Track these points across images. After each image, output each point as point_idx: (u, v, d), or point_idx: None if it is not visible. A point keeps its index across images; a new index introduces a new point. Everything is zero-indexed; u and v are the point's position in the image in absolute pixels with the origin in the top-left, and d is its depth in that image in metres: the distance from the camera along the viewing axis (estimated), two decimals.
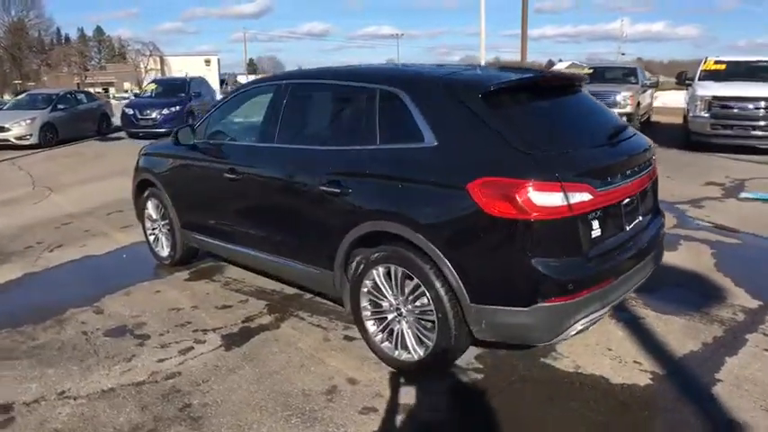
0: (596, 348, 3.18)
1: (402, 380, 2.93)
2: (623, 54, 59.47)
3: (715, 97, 9.69)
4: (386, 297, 2.97)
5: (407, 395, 2.79)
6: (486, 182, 2.49)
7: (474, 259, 2.57)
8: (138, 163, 4.97)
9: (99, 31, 72.03)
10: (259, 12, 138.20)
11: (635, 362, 3.04)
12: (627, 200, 2.85)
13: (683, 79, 11.47)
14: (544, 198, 2.43)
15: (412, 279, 2.80)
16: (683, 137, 10.40)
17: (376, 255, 2.93)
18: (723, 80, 10.28)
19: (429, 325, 2.80)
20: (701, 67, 11.07)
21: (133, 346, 3.39)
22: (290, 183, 3.37)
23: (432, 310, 2.74)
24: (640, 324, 3.46)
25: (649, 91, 13.47)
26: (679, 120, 11.74)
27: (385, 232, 2.87)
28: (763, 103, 9.35)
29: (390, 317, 2.98)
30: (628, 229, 2.88)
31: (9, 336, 3.58)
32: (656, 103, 15.59)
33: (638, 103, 11.82)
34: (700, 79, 10.70)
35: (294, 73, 3.77)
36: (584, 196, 2.49)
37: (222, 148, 3.95)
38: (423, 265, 2.72)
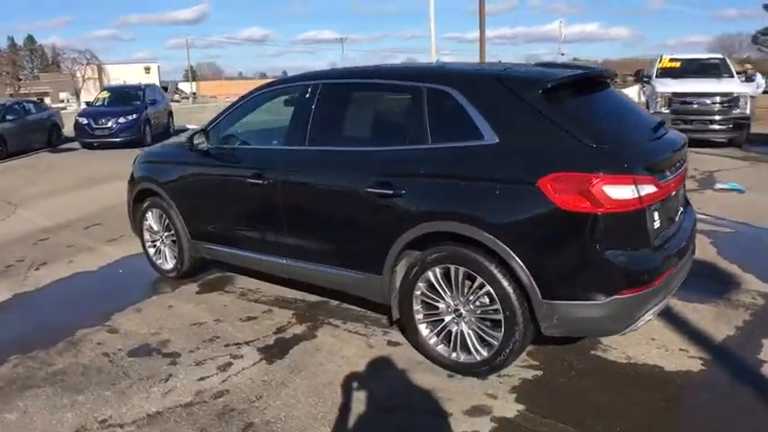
0: (640, 339, 3.24)
1: (466, 382, 2.88)
2: (562, 54, 61.81)
3: (675, 93, 10.21)
4: (443, 299, 2.91)
5: (477, 396, 2.75)
6: (558, 177, 2.49)
7: (546, 255, 2.57)
8: (134, 172, 4.69)
9: (30, 39, 68.08)
10: (196, 18, 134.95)
11: (680, 349, 3.12)
12: (674, 192, 2.93)
13: (640, 77, 12.04)
14: (618, 191, 2.45)
15: (474, 278, 2.76)
16: None
17: (434, 255, 2.86)
18: (679, 77, 10.86)
19: (492, 324, 2.77)
20: (658, 65, 11.62)
21: (165, 366, 3.18)
22: (331, 186, 3.25)
23: (498, 309, 2.71)
24: (673, 313, 3.56)
25: None
26: None
27: (440, 232, 2.83)
28: (718, 98, 9.94)
29: (448, 318, 2.93)
30: (676, 219, 2.97)
31: (21, 362, 3.27)
32: None
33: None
34: (657, 77, 11.24)
35: (324, 73, 3.64)
36: (650, 188, 2.53)
37: (242, 152, 3.78)
38: (488, 263, 2.69)
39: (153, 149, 5.04)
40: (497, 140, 2.70)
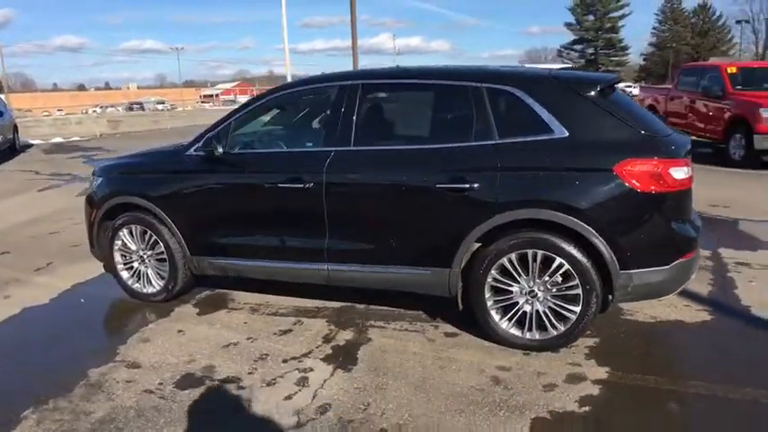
0: (650, 303, 3.76)
1: (543, 357, 3.10)
2: (398, 66, 65.82)
3: None
4: (517, 282, 3.11)
5: (564, 367, 2.98)
6: (631, 162, 2.85)
7: (623, 231, 2.90)
8: (97, 187, 4.09)
9: None
10: None
11: (685, 305, 3.72)
12: None
13: None
14: (678, 173, 2.89)
15: (552, 259, 3.01)
16: None
17: (512, 242, 3.04)
18: None
19: (568, 300, 3.03)
20: None
21: (234, 392, 2.88)
22: (394, 185, 3.22)
23: (576, 285, 2.98)
24: None
25: None
26: None
27: (515, 220, 3.02)
28: None
29: (521, 300, 3.13)
30: None
31: (43, 416, 2.69)
32: None
33: None
34: None
35: (360, 73, 3.55)
36: (690, 171, 3.03)
37: (269, 156, 3.55)
38: (566, 244, 2.95)
39: (123, 160, 4.41)
40: (567, 134, 2.98)
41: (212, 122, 3.82)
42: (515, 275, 3.10)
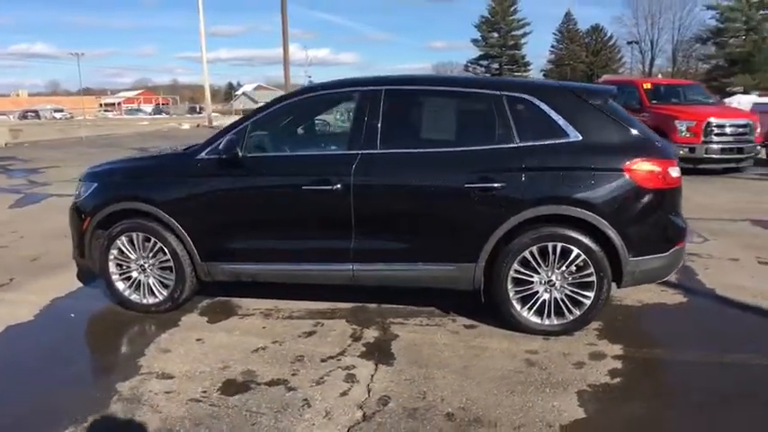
0: (631, 289, 4.20)
1: (561, 340, 3.39)
2: (310, 77, 65.95)
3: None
4: (537, 273, 3.39)
5: (584, 347, 3.29)
6: (639, 163, 3.24)
7: (632, 222, 3.27)
8: (93, 193, 3.87)
9: None
10: None
11: (662, 290, 4.20)
12: None
13: None
14: (674, 172, 3.33)
15: (570, 251, 3.32)
16: None
17: (534, 236, 3.32)
18: None
19: (583, 287, 3.34)
20: None
21: (286, 394, 2.86)
22: (423, 185, 3.39)
23: (591, 273, 3.31)
24: None
25: None
26: None
27: (537, 216, 3.31)
28: None
29: (541, 290, 3.41)
30: None
31: None
32: None
33: None
34: None
35: (382, 79, 3.63)
36: (679, 171, 3.49)
37: (293, 159, 3.58)
38: (582, 236, 3.28)
39: (119, 165, 4.19)
40: (581, 138, 3.32)
41: (225, 126, 3.78)
42: (536, 267, 3.39)
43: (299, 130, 3.84)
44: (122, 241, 3.83)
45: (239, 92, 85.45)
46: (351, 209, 3.47)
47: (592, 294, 3.36)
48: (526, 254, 3.36)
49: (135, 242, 3.82)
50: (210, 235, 3.70)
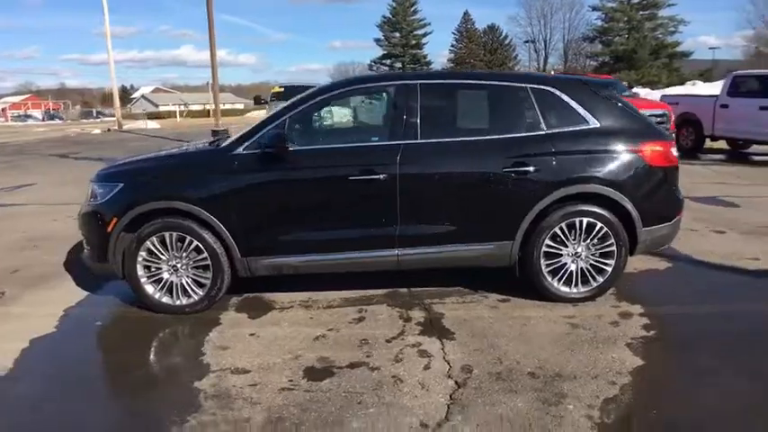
0: None
1: (589, 305, 3.80)
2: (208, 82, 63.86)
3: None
4: (566, 246, 3.76)
5: (612, 310, 3.72)
6: (649, 145, 3.72)
7: (644, 195, 3.73)
8: (119, 193, 3.70)
9: None
10: None
11: (648, 259, 4.75)
12: None
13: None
14: (674, 152, 3.85)
15: (594, 225, 3.73)
16: None
17: (563, 213, 3.68)
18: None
19: (605, 256, 3.76)
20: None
21: (373, 372, 3.00)
22: (464, 172, 3.64)
23: (612, 243, 3.75)
24: None
25: None
26: None
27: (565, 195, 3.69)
28: None
29: (569, 261, 3.79)
30: None
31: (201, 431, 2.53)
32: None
33: None
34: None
35: (417, 74, 3.79)
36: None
37: (336, 151, 3.66)
38: (604, 210, 3.71)
39: (145, 164, 4.00)
40: (599, 124, 3.74)
41: (258, 122, 3.78)
42: (564, 240, 3.77)
43: (338, 123, 3.92)
44: (153, 242, 3.70)
45: (137, 94, 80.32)
46: (396, 197, 3.64)
47: (612, 262, 3.80)
48: (556, 229, 3.73)
49: (168, 242, 3.71)
50: (253, 230, 3.69)
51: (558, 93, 3.78)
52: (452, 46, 70.10)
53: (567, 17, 56.17)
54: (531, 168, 3.64)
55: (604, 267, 3.81)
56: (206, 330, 3.59)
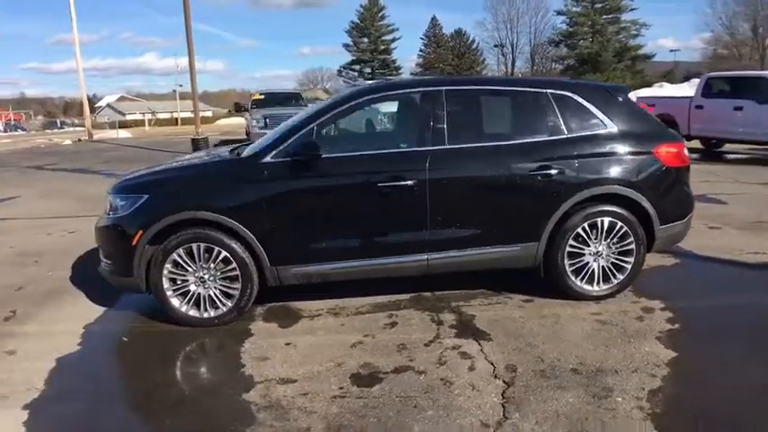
0: None
1: (611, 302, 3.93)
2: (181, 85, 62.88)
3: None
4: (589, 245, 3.88)
5: (633, 304, 3.87)
6: (664, 147, 3.88)
7: (660, 195, 3.88)
8: (144, 205, 3.64)
9: None
10: None
11: (651, 256, 4.93)
12: None
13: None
14: (686, 152, 4.02)
15: (615, 224, 3.86)
16: None
17: (586, 214, 3.80)
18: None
19: (625, 254, 3.89)
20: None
21: (420, 376, 3.03)
22: (491, 176, 3.72)
23: (631, 242, 3.88)
24: None
25: None
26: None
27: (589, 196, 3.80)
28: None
29: (591, 260, 3.91)
30: None
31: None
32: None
33: None
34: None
35: (440, 80, 3.85)
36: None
37: (366, 158, 3.71)
38: (623, 210, 3.84)
39: (171, 174, 3.97)
40: (617, 128, 3.88)
41: (284, 130, 3.78)
42: (586, 240, 3.89)
43: (364, 130, 3.95)
44: (180, 254, 3.66)
45: (101, 103, 78.21)
46: (426, 202, 3.69)
47: (632, 259, 3.93)
48: (579, 230, 3.85)
49: (195, 254, 3.67)
50: (283, 238, 3.68)
51: (576, 97, 3.91)
52: (421, 51, 70.65)
53: (533, 21, 57.34)
54: (556, 171, 3.74)
55: (624, 265, 3.94)
56: (239, 342, 3.56)
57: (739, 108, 10.64)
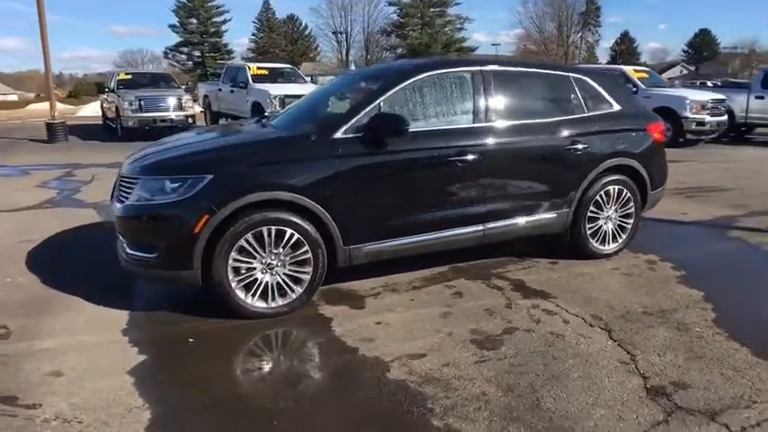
0: None
1: (623, 259, 4.59)
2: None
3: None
4: (604, 211, 4.46)
5: (645, 264, 4.56)
6: (653, 124, 4.61)
7: (651, 165, 4.60)
8: (206, 186, 3.22)
9: None
10: None
11: None
12: None
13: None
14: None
15: (622, 191, 4.49)
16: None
17: (603, 182, 4.36)
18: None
19: (626, 217, 4.57)
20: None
21: (534, 336, 3.25)
22: (536, 150, 4.12)
23: (632, 206, 4.56)
24: None
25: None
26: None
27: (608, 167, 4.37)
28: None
29: (604, 224, 4.51)
30: None
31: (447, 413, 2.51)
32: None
33: None
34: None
35: (487, 60, 3.95)
36: None
37: (432, 134, 3.76)
38: (627, 178, 4.50)
39: (232, 151, 3.58)
40: (621, 108, 4.50)
41: (351, 106, 3.63)
42: (602, 205, 4.47)
43: (422, 107, 3.91)
44: (249, 239, 3.32)
45: None
46: (485, 175, 3.90)
47: (632, 221, 4.62)
48: (597, 197, 4.41)
49: (265, 238, 3.36)
50: (358, 216, 3.57)
51: (590, 81, 4.44)
52: (254, 35, 68.31)
53: (367, 11, 59.09)
54: (584, 146, 4.23)
55: (626, 226, 4.62)
56: (326, 328, 3.38)
57: None
